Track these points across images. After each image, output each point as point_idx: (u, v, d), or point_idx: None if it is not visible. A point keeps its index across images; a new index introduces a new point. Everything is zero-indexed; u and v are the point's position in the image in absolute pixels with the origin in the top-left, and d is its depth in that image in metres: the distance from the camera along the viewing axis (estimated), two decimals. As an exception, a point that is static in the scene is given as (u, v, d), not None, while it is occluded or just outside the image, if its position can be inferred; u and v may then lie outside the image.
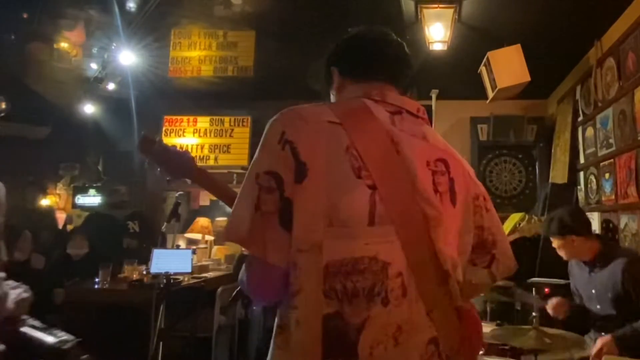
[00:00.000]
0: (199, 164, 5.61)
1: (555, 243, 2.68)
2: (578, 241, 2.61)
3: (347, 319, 0.89)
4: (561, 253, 2.69)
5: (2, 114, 5.21)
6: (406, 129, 1.04)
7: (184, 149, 1.41)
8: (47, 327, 2.19)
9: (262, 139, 1.01)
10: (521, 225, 4.27)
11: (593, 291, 2.61)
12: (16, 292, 1.83)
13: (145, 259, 4.10)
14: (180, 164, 1.37)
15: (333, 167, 0.94)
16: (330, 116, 0.99)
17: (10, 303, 1.74)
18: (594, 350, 2.31)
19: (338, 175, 0.93)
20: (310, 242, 0.91)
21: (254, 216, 0.93)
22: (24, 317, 2.03)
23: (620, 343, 2.29)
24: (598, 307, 2.60)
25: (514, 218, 4.47)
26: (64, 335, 2.18)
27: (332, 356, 0.88)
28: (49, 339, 2.11)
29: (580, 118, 4.44)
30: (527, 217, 4.35)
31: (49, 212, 5.59)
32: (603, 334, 2.47)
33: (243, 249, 5.32)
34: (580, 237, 2.61)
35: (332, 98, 1.20)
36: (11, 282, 1.84)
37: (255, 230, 0.93)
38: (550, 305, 2.72)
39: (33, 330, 2.10)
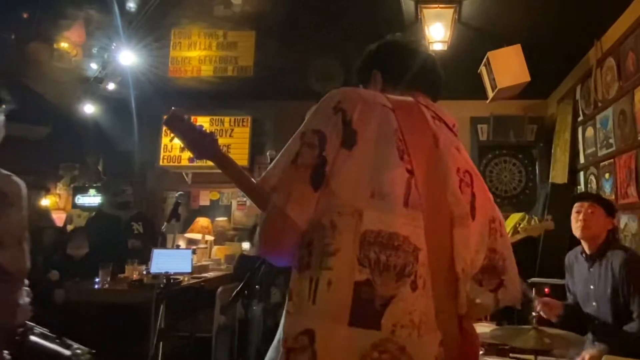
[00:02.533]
0: (199, 164, 5.58)
1: (584, 209, 2.61)
2: (602, 218, 2.60)
3: (376, 289, 0.91)
4: (579, 224, 2.62)
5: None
6: (444, 134, 1.10)
7: (211, 132, 1.42)
8: (57, 337, 2.17)
9: (316, 106, 1.05)
10: (521, 225, 4.27)
11: (592, 287, 2.61)
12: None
13: (146, 259, 4.10)
14: (204, 145, 1.38)
15: (381, 143, 0.99)
16: (385, 101, 1.05)
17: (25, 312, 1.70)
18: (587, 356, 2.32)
19: (385, 151, 0.98)
20: (353, 207, 0.93)
21: (287, 167, 0.98)
22: (29, 324, 2.01)
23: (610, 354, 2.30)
24: (594, 304, 2.59)
25: (514, 218, 4.47)
26: (77, 346, 2.16)
27: (357, 323, 0.90)
28: (65, 351, 2.09)
29: (580, 118, 4.44)
30: (527, 217, 4.35)
31: (46, 213, 5.59)
32: (596, 343, 2.46)
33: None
34: (607, 217, 2.61)
35: None
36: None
37: (284, 180, 0.97)
38: (543, 302, 2.66)
39: (45, 341, 2.07)
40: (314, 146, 0.97)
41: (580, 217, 2.62)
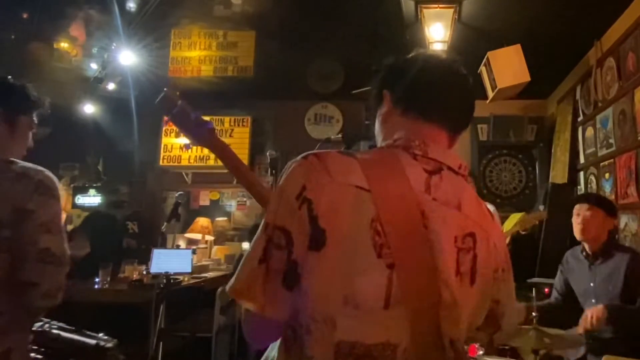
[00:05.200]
0: (199, 164, 5.59)
1: (583, 212, 2.61)
2: (602, 220, 2.60)
3: None
4: (580, 226, 2.62)
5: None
6: (441, 195, 0.95)
7: (207, 120, 1.35)
8: (76, 329, 2.19)
9: (280, 183, 0.92)
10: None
11: (591, 284, 2.62)
12: None
13: (145, 259, 4.10)
14: (200, 133, 1.31)
15: (354, 242, 0.87)
16: (359, 179, 0.90)
17: None
18: (584, 318, 2.35)
19: (358, 251, 0.87)
20: (324, 314, 0.87)
21: (257, 269, 0.89)
22: (45, 319, 2.04)
23: (611, 312, 2.33)
24: (593, 301, 2.60)
25: (514, 218, 4.47)
26: (101, 336, 2.19)
27: None
28: (90, 340, 2.10)
29: (580, 118, 4.44)
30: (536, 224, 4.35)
31: None
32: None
33: (243, 249, 5.32)
34: (607, 218, 2.62)
35: (377, 123, 1.09)
36: None
37: (253, 284, 0.89)
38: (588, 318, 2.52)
39: (66, 333, 2.09)
40: (282, 247, 0.88)
41: (579, 219, 2.63)
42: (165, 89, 1.31)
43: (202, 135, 1.32)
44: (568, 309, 2.73)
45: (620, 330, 2.40)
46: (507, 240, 4.19)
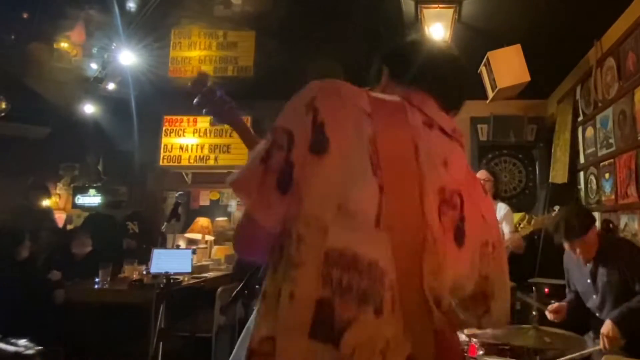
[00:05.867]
0: (199, 164, 5.59)
1: (577, 246, 2.58)
2: (593, 237, 2.59)
3: (335, 310, 0.87)
4: (585, 255, 2.60)
5: (2, 114, 5.21)
6: (432, 146, 0.99)
7: (229, 99, 1.50)
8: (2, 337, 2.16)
9: (294, 96, 0.99)
10: (522, 225, 4.27)
11: (589, 281, 2.63)
12: None
13: (145, 259, 4.10)
14: (223, 110, 1.46)
15: (354, 155, 0.92)
16: (365, 104, 0.97)
17: None
18: (602, 337, 2.35)
19: (357, 165, 0.91)
20: (318, 221, 0.89)
21: (256, 167, 0.93)
22: None
23: (619, 324, 2.34)
24: (594, 297, 2.62)
25: (514, 218, 4.47)
26: (24, 343, 2.15)
27: (317, 337, 0.87)
28: (9, 348, 2.07)
29: (580, 118, 4.44)
30: (527, 217, 4.35)
31: (48, 213, 5.60)
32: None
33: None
34: (594, 229, 2.61)
35: None
36: None
37: (252, 182, 0.93)
38: (550, 308, 2.71)
39: None
40: (283, 148, 0.92)
41: (578, 251, 2.60)
42: (198, 72, 1.50)
43: (226, 112, 1.48)
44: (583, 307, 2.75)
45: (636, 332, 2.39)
46: (521, 241, 4.16)
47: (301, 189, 0.91)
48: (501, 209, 3.94)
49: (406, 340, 0.90)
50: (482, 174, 4.01)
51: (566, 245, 2.64)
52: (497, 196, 4.08)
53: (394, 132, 0.97)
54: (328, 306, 0.87)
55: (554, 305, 2.76)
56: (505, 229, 3.86)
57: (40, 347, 2.22)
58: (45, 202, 5.52)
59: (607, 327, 2.37)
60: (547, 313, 2.69)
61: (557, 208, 4.27)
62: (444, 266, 0.95)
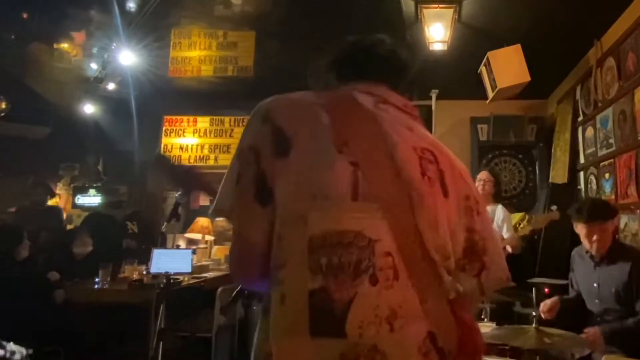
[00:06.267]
0: (199, 164, 5.60)
1: (597, 230, 2.53)
2: (612, 228, 2.57)
3: (332, 294, 0.85)
4: (597, 244, 2.56)
5: (2, 114, 5.21)
6: (391, 116, 1.03)
7: (190, 165, 1.58)
8: None
9: (248, 120, 1.03)
10: (521, 225, 4.26)
11: (595, 285, 2.61)
12: None
13: (145, 259, 4.10)
14: (188, 182, 1.50)
15: (315, 142, 0.94)
16: (313, 98, 1.02)
17: None
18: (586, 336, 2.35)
19: (319, 149, 0.94)
20: (295, 214, 0.90)
21: (232, 190, 0.96)
22: None
23: (606, 337, 2.34)
24: (597, 301, 2.60)
25: (514, 218, 4.47)
26: (11, 345, 2.14)
27: (320, 334, 0.85)
28: None
29: (580, 118, 4.44)
30: (527, 217, 4.35)
31: (57, 212, 5.61)
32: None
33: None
34: (613, 223, 2.59)
35: None
36: None
37: (233, 204, 0.96)
38: (543, 308, 2.68)
39: None
40: (251, 162, 0.95)
41: (595, 238, 2.55)
42: (158, 155, 1.54)
43: (192, 180, 1.54)
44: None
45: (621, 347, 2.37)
46: (518, 241, 4.17)
47: (275, 193, 0.92)
48: (500, 212, 3.93)
49: (423, 315, 0.90)
50: (483, 175, 4.00)
51: (584, 229, 2.57)
52: (497, 197, 4.07)
53: (350, 113, 1.00)
54: (324, 293, 0.86)
55: (547, 303, 2.71)
56: (506, 233, 3.86)
57: (30, 350, 2.20)
58: (51, 201, 5.53)
59: (593, 334, 2.36)
60: (541, 314, 2.66)
61: (554, 207, 4.28)
62: (439, 217, 0.96)
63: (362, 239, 0.88)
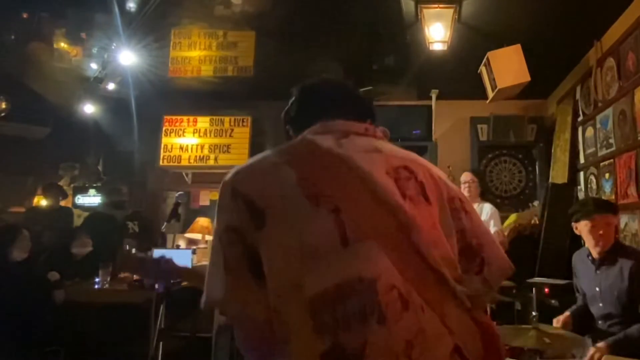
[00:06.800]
0: (199, 164, 5.60)
1: (603, 224, 2.51)
2: (616, 223, 2.55)
3: (345, 349, 0.84)
4: (600, 239, 2.53)
5: (2, 114, 5.21)
6: (356, 148, 1.02)
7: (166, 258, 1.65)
8: None
9: (218, 199, 1.00)
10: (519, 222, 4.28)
11: (597, 289, 2.60)
12: None
13: (145, 259, 4.09)
14: (158, 269, 1.59)
15: (288, 203, 0.92)
16: (275, 158, 1.00)
17: None
18: (587, 357, 2.32)
19: (295, 210, 0.91)
20: (288, 283, 0.87)
21: (224, 276, 0.91)
22: None
23: (613, 350, 2.30)
24: (600, 305, 2.59)
25: (513, 218, 4.48)
26: None
27: None
28: None
29: (580, 118, 4.44)
30: (535, 221, 4.36)
31: (68, 212, 5.62)
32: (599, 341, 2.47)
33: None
34: (616, 219, 2.58)
35: None
36: None
37: (229, 290, 0.91)
38: (556, 324, 2.61)
39: None
40: (235, 243, 0.92)
41: (601, 232, 2.52)
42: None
43: (166, 271, 1.62)
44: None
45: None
46: (507, 238, 4.21)
47: (264, 266, 0.90)
48: (486, 208, 3.96)
49: (447, 331, 0.89)
50: (467, 177, 4.02)
51: (589, 224, 2.54)
52: (483, 196, 4.10)
53: (315, 161, 0.99)
54: (336, 351, 0.84)
55: (559, 319, 2.66)
56: (492, 227, 3.89)
57: None
58: (60, 202, 5.55)
59: (600, 349, 2.31)
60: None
61: (536, 203, 4.31)
62: (434, 232, 0.96)
63: (361, 282, 0.87)
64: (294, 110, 1.16)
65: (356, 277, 0.87)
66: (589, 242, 2.61)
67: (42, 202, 5.75)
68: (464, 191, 3.88)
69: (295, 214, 0.91)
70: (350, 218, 0.91)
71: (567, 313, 2.73)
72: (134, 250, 4.76)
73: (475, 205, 3.83)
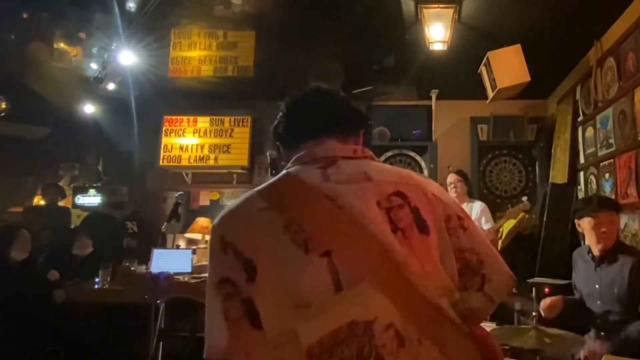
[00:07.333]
0: (199, 164, 5.60)
1: (607, 221, 2.52)
2: (618, 221, 2.56)
3: None
4: (606, 238, 2.54)
5: (2, 114, 5.21)
6: (344, 178, 1.00)
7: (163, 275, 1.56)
8: None
9: (209, 248, 1.00)
10: (520, 226, 4.27)
11: (597, 286, 2.60)
12: None
13: (145, 259, 4.10)
14: (157, 285, 1.49)
15: (277, 253, 0.91)
16: (260, 203, 0.98)
17: None
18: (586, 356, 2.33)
19: (284, 258, 0.91)
20: (285, 334, 0.87)
21: (225, 325, 0.91)
22: None
23: (613, 351, 2.30)
24: (598, 303, 2.59)
25: (511, 222, 4.47)
26: None
27: None
28: None
29: (580, 118, 4.44)
30: (526, 217, 4.36)
31: (66, 212, 5.63)
32: (602, 333, 2.47)
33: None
34: (618, 216, 2.57)
35: None
36: None
37: (233, 340, 0.90)
38: (543, 306, 2.65)
39: None
40: (231, 295, 0.91)
41: (604, 229, 2.52)
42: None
43: (163, 287, 1.51)
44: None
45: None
46: (502, 236, 4.23)
47: (261, 318, 0.89)
48: (475, 207, 3.99)
49: None
50: (452, 178, 4.08)
51: (593, 221, 2.55)
52: (471, 194, 4.16)
53: (303, 204, 0.97)
54: None
55: (546, 301, 2.67)
56: (485, 225, 3.91)
57: None
58: (60, 202, 5.56)
59: (602, 348, 2.34)
60: (541, 311, 2.64)
61: (524, 198, 4.33)
62: (428, 265, 0.95)
63: (357, 326, 0.87)
64: (282, 127, 1.13)
65: (352, 322, 0.87)
66: (591, 239, 2.62)
67: (41, 202, 5.77)
68: (451, 192, 3.92)
69: (284, 264, 0.90)
70: (342, 261, 0.89)
71: (558, 296, 2.72)
72: (134, 250, 4.78)
73: (464, 205, 3.87)
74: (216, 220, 1.00)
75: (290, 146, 1.10)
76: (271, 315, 0.89)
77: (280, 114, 1.15)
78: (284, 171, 1.06)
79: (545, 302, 2.67)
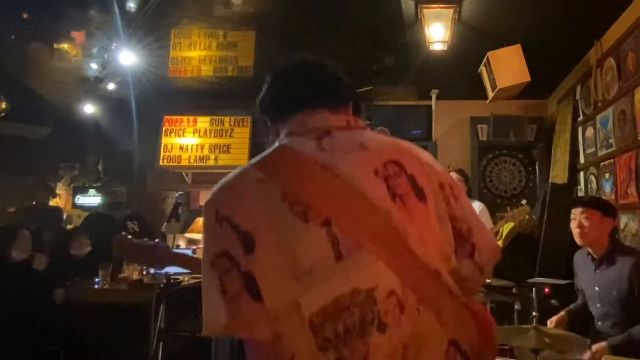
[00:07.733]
0: (199, 164, 5.60)
1: (578, 215, 2.56)
2: (598, 221, 2.54)
3: None
4: (577, 231, 2.57)
5: (2, 114, 5.21)
6: (339, 148, 0.99)
7: (155, 242, 1.58)
8: None
9: (203, 224, 0.97)
10: (520, 226, 4.27)
11: (596, 288, 2.60)
12: None
13: (146, 259, 4.10)
14: (157, 256, 1.54)
15: (276, 223, 0.90)
16: (257, 174, 0.96)
17: None
18: (588, 355, 2.32)
19: (284, 228, 0.89)
20: (286, 304, 0.86)
21: (225, 302, 0.89)
22: None
23: (614, 351, 2.30)
24: (598, 305, 2.59)
25: (510, 224, 4.46)
26: None
27: None
28: None
29: (580, 118, 4.44)
30: (527, 218, 4.35)
31: (58, 212, 5.62)
32: (602, 335, 2.47)
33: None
34: (604, 218, 2.56)
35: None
36: None
37: (233, 315, 0.88)
38: (550, 326, 2.63)
39: None
40: (229, 269, 0.89)
41: (575, 224, 2.58)
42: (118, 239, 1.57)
43: (161, 256, 1.57)
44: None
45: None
46: (502, 236, 4.22)
47: (261, 290, 0.88)
48: (475, 206, 3.97)
49: (441, 328, 0.91)
50: (452, 176, 4.04)
51: (575, 213, 2.58)
52: (470, 195, 4.15)
53: (299, 174, 0.96)
54: None
55: (552, 320, 2.70)
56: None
57: None
58: (52, 202, 5.55)
59: (601, 348, 2.33)
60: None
61: (524, 202, 4.34)
62: (426, 232, 0.96)
63: (359, 294, 0.87)
64: (270, 99, 1.10)
65: (353, 289, 0.87)
66: (574, 236, 2.65)
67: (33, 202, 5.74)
68: None
69: (284, 234, 0.89)
70: (341, 229, 0.89)
71: (562, 312, 2.75)
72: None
73: None
74: (209, 196, 0.97)
75: (280, 119, 1.07)
76: (271, 287, 0.88)
77: (267, 85, 1.12)
78: (276, 143, 1.04)
79: (550, 323, 2.66)
